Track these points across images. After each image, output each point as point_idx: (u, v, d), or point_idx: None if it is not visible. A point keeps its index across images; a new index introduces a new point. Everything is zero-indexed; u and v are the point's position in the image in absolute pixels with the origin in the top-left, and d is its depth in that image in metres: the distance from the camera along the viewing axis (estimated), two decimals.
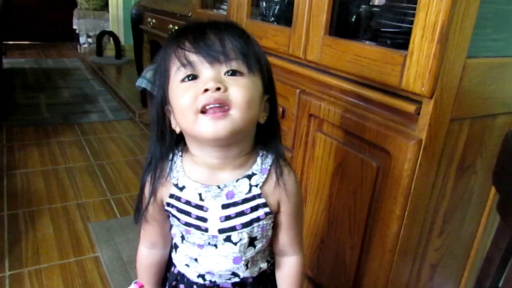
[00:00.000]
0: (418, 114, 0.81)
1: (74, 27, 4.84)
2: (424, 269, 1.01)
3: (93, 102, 3.10)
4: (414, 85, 0.78)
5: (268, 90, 0.59)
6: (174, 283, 0.69)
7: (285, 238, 0.65)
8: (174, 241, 0.67)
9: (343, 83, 0.97)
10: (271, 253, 0.69)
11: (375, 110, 0.91)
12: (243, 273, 0.63)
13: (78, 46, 5.01)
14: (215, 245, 0.61)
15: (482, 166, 0.96)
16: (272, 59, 1.22)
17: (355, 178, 0.96)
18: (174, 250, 0.68)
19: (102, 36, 4.45)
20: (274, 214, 0.62)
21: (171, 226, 0.66)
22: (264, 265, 0.67)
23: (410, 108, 0.82)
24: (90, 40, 4.94)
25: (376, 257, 0.94)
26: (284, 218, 0.63)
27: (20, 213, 1.61)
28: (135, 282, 0.71)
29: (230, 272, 0.63)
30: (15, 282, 1.25)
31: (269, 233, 0.63)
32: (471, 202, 1.01)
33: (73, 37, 5.12)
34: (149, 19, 2.61)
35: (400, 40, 0.88)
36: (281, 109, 1.17)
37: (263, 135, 0.62)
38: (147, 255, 0.69)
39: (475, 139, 0.91)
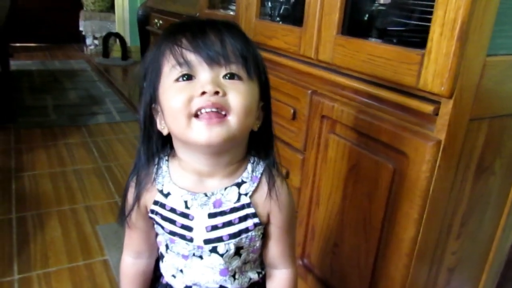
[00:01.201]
0: (436, 114, 0.79)
1: (80, 28, 4.85)
2: (442, 274, 0.98)
3: (100, 104, 3.10)
4: (432, 85, 0.76)
5: (264, 96, 0.56)
6: None
7: (275, 251, 0.62)
8: (160, 250, 0.64)
9: (356, 83, 0.95)
10: (262, 264, 0.66)
11: (390, 111, 0.89)
12: (232, 285, 0.60)
13: (84, 48, 5.02)
14: (201, 256, 0.58)
15: (501, 167, 0.93)
16: (282, 60, 1.20)
17: (369, 181, 0.94)
18: (161, 259, 0.64)
19: (108, 37, 4.45)
20: (264, 226, 0.59)
21: (156, 234, 0.62)
22: (254, 276, 0.63)
23: (428, 108, 0.79)
24: (96, 41, 4.95)
25: (392, 261, 0.92)
26: (275, 230, 0.60)
27: (28, 215, 1.60)
28: None
29: (218, 285, 0.60)
30: (24, 286, 1.24)
31: (258, 244, 0.60)
32: (490, 204, 0.98)
33: (79, 39, 5.13)
34: (156, 20, 2.60)
35: (416, 39, 0.85)
36: (292, 110, 1.15)
37: (256, 143, 0.59)
38: (131, 265, 0.65)
39: (494, 139, 0.88)
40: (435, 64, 0.75)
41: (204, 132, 0.48)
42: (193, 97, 0.48)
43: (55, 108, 2.91)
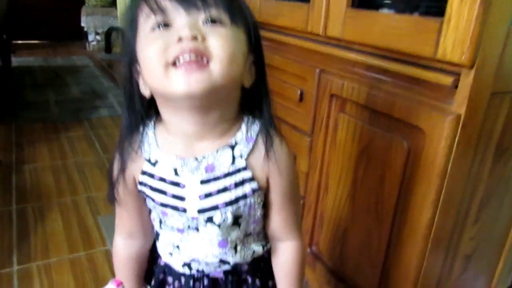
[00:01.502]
0: (456, 87, 0.74)
1: (82, 24, 4.82)
2: (458, 260, 0.93)
3: (102, 98, 3.06)
4: (452, 54, 0.71)
5: (255, 50, 0.51)
6: (161, 276, 0.60)
7: (278, 221, 0.56)
8: (155, 229, 0.59)
9: (368, 58, 0.90)
10: (266, 237, 0.60)
11: (405, 86, 0.84)
12: (233, 258, 0.55)
13: (87, 44, 4.99)
14: (197, 228, 0.53)
15: None
16: (288, 39, 1.15)
17: (382, 162, 0.89)
18: (157, 239, 0.59)
19: (110, 32, 4.42)
20: (263, 192, 0.53)
21: (150, 211, 0.58)
22: (258, 249, 0.58)
23: (447, 80, 0.74)
24: (98, 37, 4.91)
25: (407, 246, 0.87)
26: (276, 198, 0.54)
27: (29, 207, 1.56)
28: (113, 280, 0.61)
29: (217, 259, 0.54)
30: (24, 277, 1.21)
31: (258, 213, 0.55)
32: (509, 187, 0.93)
33: (81, 36, 5.10)
34: None
35: (432, 8, 0.80)
36: (299, 92, 1.10)
37: (250, 102, 0.53)
38: (123, 247, 0.60)
39: None
40: (455, 32, 0.70)
41: (183, 81, 0.43)
42: (169, 45, 0.43)
43: (57, 103, 2.88)
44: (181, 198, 0.51)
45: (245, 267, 0.58)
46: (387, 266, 0.94)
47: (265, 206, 0.56)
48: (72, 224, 1.48)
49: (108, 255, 1.31)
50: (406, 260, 0.88)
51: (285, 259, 0.59)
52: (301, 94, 1.10)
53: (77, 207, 1.58)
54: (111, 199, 0.56)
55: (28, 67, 3.85)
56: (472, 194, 0.86)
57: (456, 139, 0.75)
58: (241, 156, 0.51)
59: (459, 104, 0.74)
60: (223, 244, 0.54)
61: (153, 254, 0.62)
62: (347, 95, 0.95)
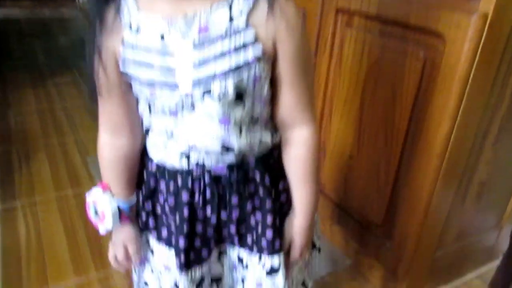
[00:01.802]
0: None
1: None
2: (472, 187, 0.87)
3: None
4: None
5: None
6: (152, 183, 0.52)
7: (288, 100, 0.47)
8: (144, 124, 0.50)
9: None
10: (274, 128, 0.51)
11: None
12: (238, 141, 0.47)
13: None
14: (192, 106, 0.44)
15: None
16: None
17: (394, 77, 0.80)
18: (147, 134, 0.51)
19: None
20: (269, 61, 0.44)
21: (137, 105, 0.49)
22: (266, 137, 0.50)
23: None
24: None
25: (419, 164, 0.79)
26: (286, 68, 0.45)
27: (13, 150, 1.48)
28: (99, 184, 0.53)
29: (219, 144, 0.46)
30: (8, 217, 1.14)
31: (265, 90, 0.46)
32: None
33: None
34: None
35: None
36: (301, 13, 1.00)
37: None
38: (109, 146, 0.51)
39: None
40: None
41: None
42: None
43: (44, 51, 2.74)
44: (171, 71, 0.43)
45: (252, 162, 0.49)
46: (395, 198, 0.87)
47: (273, 85, 0.47)
48: (59, 164, 1.40)
49: None
50: (416, 189, 0.81)
51: (298, 151, 0.50)
52: (303, 15, 0.99)
53: (64, 149, 1.50)
54: (92, 98, 0.47)
55: (13, 20, 3.66)
56: (494, 110, 0.78)
57: (482, 42, 0.66)
58: (240, 13, 0.41)
59: (486, 1, 0.65)
60: (225, 121, 0.45)
61: (142, 162, 0.53)
62: (355, 7, 0.85)
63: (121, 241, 0.54)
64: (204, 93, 0.43)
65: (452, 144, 0.74)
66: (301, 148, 0.50)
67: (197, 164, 0.48)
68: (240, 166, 0.49)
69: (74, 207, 1.18)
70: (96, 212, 0.53)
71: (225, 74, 0.42)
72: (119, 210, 0.52)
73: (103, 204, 0.51)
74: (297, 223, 0.53)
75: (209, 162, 0.48)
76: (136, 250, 0.55)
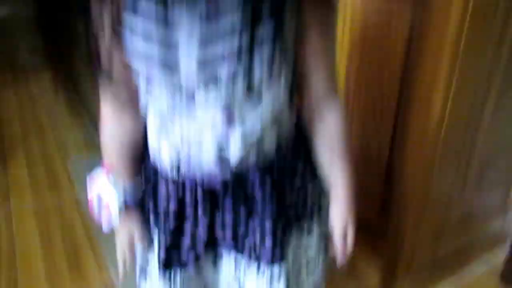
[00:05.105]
0: None
1: None
2: (473, 165, 0.79)
3: None
4: None
5: None
6: (153, 178, 0.48)
7: (321, 73, 0.42)
8: (146, 115, 0.46)
9: None
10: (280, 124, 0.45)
11: None
12: (237, 147, 0.41)
13: None
14: (192, 96, 0.39)
15: None
16: None
17: (379, 48, 0.74)
18: (148, 126, 0.47)
19: None
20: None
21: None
22: (272, 136, 0.43)
23: None
24: None
25: (413, 150, 0.72)
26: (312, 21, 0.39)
27: None
28: (103, 165, 0.49)
29: (216, 148, 0.41)
30: None
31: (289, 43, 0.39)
32: None
33: None
34: None
35: None
36: None
37: None
38: (113, 123, 0.47)
39: None
40: None
41: None
42: None
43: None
44: (171, 47, 0.38)
45: (252, 163, 0.43)
46: (389, 184, 0.81)
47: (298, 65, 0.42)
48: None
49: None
50: (412, 170, 0.74)
51: (333, 125, 0.45)
52: None
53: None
54: (98, 71, 0.42)
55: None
56: (491, 70, 0.69)
57: None
58: None
59: None
60: (227, 110, 0.40)
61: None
62: None
63: (126, 228, 0.49)
64: (208, 78, 0.38)
65: (448, 118, 0.67)
66: (336, 127, 0.45)
67: (188, 176, 0.44)
68: (239, 176, 0.43)
69: (52, 214, 1.11)
70: (99, 206, 0.47)
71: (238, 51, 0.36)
72: (124, 199, 0.47)
73: (107, 193, 0.47)
74: (341, 205, 0.48)
75: (201, 174, 0.43)
76: (141, 236, 0.50)
